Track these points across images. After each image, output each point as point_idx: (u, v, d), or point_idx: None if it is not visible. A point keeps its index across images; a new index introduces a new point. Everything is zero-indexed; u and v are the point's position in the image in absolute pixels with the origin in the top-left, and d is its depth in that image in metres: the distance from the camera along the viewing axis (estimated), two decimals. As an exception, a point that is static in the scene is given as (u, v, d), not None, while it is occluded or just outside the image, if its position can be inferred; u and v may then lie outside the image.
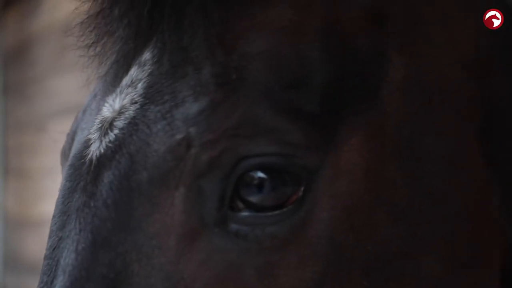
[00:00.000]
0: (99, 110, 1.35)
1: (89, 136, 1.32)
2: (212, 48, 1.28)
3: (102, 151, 1.28)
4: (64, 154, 1.50)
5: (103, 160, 1.28)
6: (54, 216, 1.34)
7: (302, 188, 1.24)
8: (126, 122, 1.28)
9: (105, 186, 1.26)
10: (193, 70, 1.27)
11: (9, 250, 7.26)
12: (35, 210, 6.61)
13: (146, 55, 1.33)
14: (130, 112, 1.28)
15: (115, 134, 1.28)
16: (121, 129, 1.28)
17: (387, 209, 1.32)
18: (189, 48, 1.29)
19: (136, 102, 1.28)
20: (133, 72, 1.33)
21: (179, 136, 1.24)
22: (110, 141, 1.28)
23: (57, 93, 5.99)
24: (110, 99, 1.33)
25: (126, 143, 1.26)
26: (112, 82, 1.37)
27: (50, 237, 1.32)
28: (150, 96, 1.28)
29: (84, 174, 1.30)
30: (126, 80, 1.33)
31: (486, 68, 1.48)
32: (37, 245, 6.47)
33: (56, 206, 1.34)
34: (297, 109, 1.25)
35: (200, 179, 1.22)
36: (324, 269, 1.27)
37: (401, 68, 1.36)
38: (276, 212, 1.23)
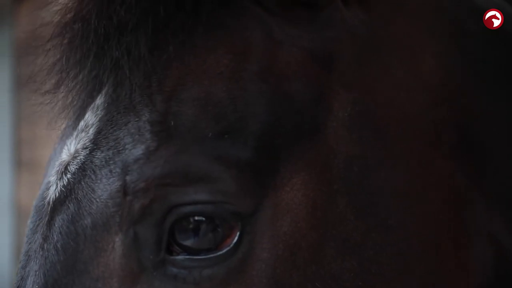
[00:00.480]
0: (58, 154, 1.40)
1: (49, 178, 1.37)
2: (152, 96, 1.30)
3: (57, 195, 1.33)
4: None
5: (56, 204, 1.32)
6: (22, 254, 1.41)
7: (238, 231, 1.26)
8: (77, 167, 1.32)
9: (56, 230, 1.31)
10: (134, 117, 1.30)
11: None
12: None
13: (98, 101, 1.35)
14: (81, 157, 1.32)
15: (67, 179, 1.32)
16: (72, 174, 1.32)
17: (336, 244, 1.30)
18: (132, 97, 1.31)
19: (86, 147, 1.32)
20: (87, 116, 1.36)
21: (118, 184, 1.27)
22: (63, 185, 1.33)
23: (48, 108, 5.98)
24: (68, 142, 1.37)
25: (75, 188, 1.31)
26: (73, 125, 1.40)
27: (16, 274, 1.39)
28: (98, 142, 1.31)
29: (42, 217, 1.35)
30: (81, 124, 1.36)
31: (458, 86, 1.45)
32: None
33: (24, 244, 1.41)
34: (229, 156, 1.26)
35: (135, 225, 1.26)
36: None
37: (348, 105, 1.34)
38: (211, 255, 1.25)
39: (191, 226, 1.26)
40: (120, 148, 1.29)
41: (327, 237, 1.30)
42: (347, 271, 1.30)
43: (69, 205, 1.30)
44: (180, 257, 1.26)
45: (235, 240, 1.26)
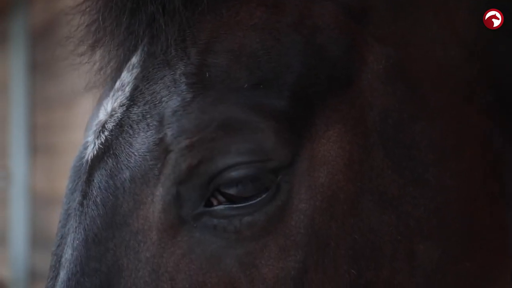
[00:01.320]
0: (95, 115, 1.43)
1: (87, 138, 1.40)
2: (187, 49, 1.32)
3: (95, 152, 1.35)
4: None
5: (94, 162, 1.35)
6: (60, 214, 1.42)
7: (278, 179, 1.27)
8: (114, 124, 1.35)
9: (95, 186, 1.34)
10: (169, 71, 1.32)
11: (37, 227, 7.31)
12: (63, 187, 6.63)
13: (134, 60, 1.38)
14: (118, 115, 1.35)
15: (105, 136, 1.35)
16: (110, 131, 1.35)
17: (374, 198, 1.32)
18: (167, 52, 1.33)
19: (123, 105, 1.35)
20: (123, 76, 1.39)
21: (156, 137, 1.29)
22: (101, 143, 1.35)
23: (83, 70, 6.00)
24: (105, 103, 1.40)
25: (113, 144, 1.34)
26: (110, 86, 1.44)
27: (56, 234, 1.41)
28: (134, 98, 1.34)
29: (81, 175, 1.38)
30: (117, 84, 1.39)
31: (491, 43, 1.46)
32: None
33: (62, 205, 1.43)
34: (266, 106, 1.28)
35: (179, 185, 1.28)
36: (307, 258, 1.29)
37: (383, 58, 1.35)
38: (251, 202, 1.27)
39: (232, 181, 1.28)
40: (157, 102, 1.31)
41: (365, 190, 1.32)
42: (385, 224, 1.32)
43: (108, 160, 1.33)
44: (219, 207, 1.28)
45: (274, 187, 1.28)
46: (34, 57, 7.53)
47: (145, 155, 1.30)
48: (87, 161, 1.36)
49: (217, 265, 1.27)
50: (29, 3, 7.58)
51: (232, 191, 1.28)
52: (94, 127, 1.39)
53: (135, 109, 1.33)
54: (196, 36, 1.33)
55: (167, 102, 1.30)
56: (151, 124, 1.30)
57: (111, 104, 1.38)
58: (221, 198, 1.28)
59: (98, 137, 1.36)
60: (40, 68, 7.34)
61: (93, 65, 1.48)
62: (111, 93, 1.40)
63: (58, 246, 1.37)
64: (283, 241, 1.28)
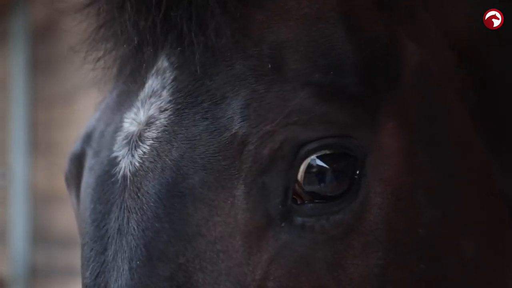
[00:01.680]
0: (116, 128, 1.33)
1: (114, 154, 1.31)
2: (240, 43, 1.28)
3: (138, 164, 1.26)
4: (72, 179, 1.49)
5: (141, 173, 1.25)
6: (86, 244, 1.30)
7: (358, 172, 1.25)
8: (159, 131, 1.26)
9: (152, 198, 1.23)
10: (225, 66, 1.27)
11: (38, 224, 7.29)
12: (63, 184, 6.62)
13: (162, 64, 1.32)
14: (161, 121, 1.27)
15: (149, 145, 1.26)
16: (155, 138, 1.26)
17: (424, 192, 1.32)
18: (216, 46, 1.28)
19: (166, 110, 1.27)
20: (151, 82, 1.31)
21: (227, 134, 1.22)
22: (144, 153, 1.26)
23: (85, 67, 5.98)
24: (130, 114, 1.32)
25: (164, 151, 1.24)
26: (122, 101, 1.36)
27: (87, 265, 1.28)
28: (181, 101, 1.27)
29: (118, 193, 1.28)
30: (145, 92, 1.31)
31: (480, 50, 1.49)
32: (65, 219, 6.50)
33: (86, 233, 1.31)
34: (339, 91, 1.26)
35: (263, 174, 1.21)
36: (386, 255, 1.27)
37: (414, 54, 1.37)
38: (338, 200, 1.23)
39: (317, 170, 1.23)
40: (217, 100, 1.25)
41: (418, 185, 1.32)
42: (435, 219, 1.33)
43: (164, 168, 1.24)
44: (308, 205, 1.23)
45: (356, 182, 1.25)
46: (34, 55, 7.52)
47: (215, 156, 1.22)
48: (124, 176, 1.27)
49: (307, 269, 1.22)
50: (29, 2, 7.57)
51: (315, 188, 1.23)
52: (123, 140, 1.30)
53: (187, 111, 1.26)
54: (249, 28, 1.29)
55: (233, 97, 1.24)
56: (216, 123, 1.23)
57: (145, 113, 1.29)
58: (306, 196, 1.23)
59: (135, 148, 1.28)
60: (40, 66, 7.32)
61: (102, 65, 1.43)
62: (138, 103, 1.32)
63: (97, 275, 1.25)
64: (365, 239, 1.25)
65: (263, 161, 1.21)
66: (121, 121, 1.34)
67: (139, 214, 1.23)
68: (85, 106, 6.32)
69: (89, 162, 1.39)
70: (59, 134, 6.77)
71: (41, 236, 7.24)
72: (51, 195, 6.92)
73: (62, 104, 6.74)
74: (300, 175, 1.22)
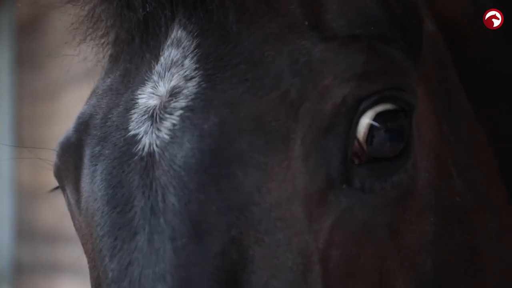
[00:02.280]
0: (128, 107, 1.25)
1: (132, 133, 1.22)
2: (272, 1, 1.23)
3: (167, 137, 1.17)
4: (67, 170, 1.38)
5: (173, 146, 1.17)
6: (105, 234, 1.20)
7: (409, 132, 1.22)
8: (188, 99, 1.18)
9: (192, 169, 1.14)
10: (259, 27, 1.21)
11: (23, 220, 7.28)
12: (49, 179, 6.59)
13: (178, 34, 1.25)
14: (189, 89, 1.19)
15: (178, 116, 1.18)
16: (185, 108, 1.18)
17: (454, 162, 1.31)
18: (247, 7, 1.22)
19: (193, 77, 1.20)
20: (168, 54, 1.24)
21: (276, 93, 1.15)
22: (174, 125, 1.18)
23: (70, 62, 5.97)
24: (145, 89, 1.24)
25: (200, 118, 1.16)
26: (129, 79, 1.29)
27: (111, 256, 1.17)
28: (210, 66, 1.20)
29: (144, 172, 1.18)
30: (161, 64, 1.24)
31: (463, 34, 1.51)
32: (50, 215, 6.49)
33: (105, 223, 1.21)
34: (386, 46, 1.23)
35: (325, 133, 1.15)
36: (437, 222, 1.24)
37: (430, 23, 1.37)
38: (395, 160, 1.19)
39: (375, 131, 1.18)
40: (256, 59, 1.18)
41: (449, 154, 1.31)
42: (462, 189, 1.31)
43: (202, 136, 1.15)
44: (366, 166, 1.17)
45: (408, 143, 1.21)
46: (19, 50, 7.51)
47: (264, 118, 1.14)
48: (150, 153, 1.18)
49: (368, 234, 1.16)
50: None
51: (374, 148, 1.17)
52: (142, 116, 1.22)
53: (220, 76, 1.18)
54: None
55: (274, 55, 1.18)
56: (259, 83, 1.16)
57: (165, 85, 1.22)
58: (364, 157, 1.17)
59: (159, 122, 1.19)
60: (25, 62, 7.29)
61: (101, 45, 1.37)
62: (154, 77, 1.24)
63: (128, 266, 1.14)
64: (418, 203, 1.23)
65: (325, 118, 1.15)
66: (134, 99, 1.26)
67: (178, 189, 1.14)
68: (70, 101, 6.32)
69: (91, 150, 1.29)
70: (44, 130, 6.75)
71: (26, 232, 7.22)
72: (36, 191, 6.91)
73: (47, 100, 6.73)
74: (360, 133, 1.17)
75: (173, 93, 1.20)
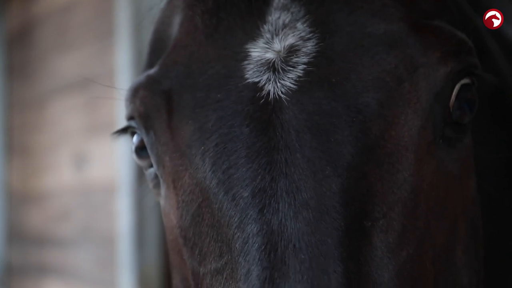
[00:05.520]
0: (240, 58, 1.33)
1: (251, 80, 1.31)
2: None
3: (294, 86, 1.28)
4: (160, 109, 1.41)
5: (301, 94, 1.26)
6: (240, 163, 1.26)
7: (476, 107, 1.40)
8: (310, 57, 1.30)
9: (326, 113, 1.25)
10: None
11: (13, 224, 7.28)
12: (38, 184, 6.61)
13: (281, 1, 1.37)
14: (309, 48, 1.31)
15: (302, 70, 1.29)
16: (307, 63, 1.29)
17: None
18: None
19: (309, 39, 1.32)
20: (277, 17, 1.36)
21: (394, 58, 1.31)
22: (299, 76, 1.28)
23: (57, 72, 6.03)
24: (258, 44, 1.33)
25: (324, 73, 1.28)
26: (231, 35, 1.36)
27: (251, 198, 1.23)
28: (326, 31, 1.33)
29: (270, 111, 1.27)
30: (271, 25, 1.35)
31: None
32: (39, 218, 6.55)
33: (242, 149, 1.26)
34: (466, 28, 1.42)
35: (435, 94, 1.32)
36: (477, 189, 1.49)
37: None
38: (466, 126, 1.39)
39: (461, 96, 1.36)
40: (369, 29, 1.32)
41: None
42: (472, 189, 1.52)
43: (330, 89, 1.26)
44: (451, 126, 1.36)
45: (470, 116, 1.39)
46: (9, 60, 7.47)
47: (384, 78, 1.28)
48: (275, 98, 1.27)
49: (453, 182, 1.36)
50: (5, 7, 7.56)
51: (459, 112, 1.35)
52: (260, 66, 1.31)
53: (338, 40, 1.30)
54: None
55: (392, 23, 1.31)
56: (373, 50, 1.29)
57: (281, 42, 1.32)
58: (450, 118, 1.35)
59: (282, 73, 1.29)
60: (15, 71, 7.29)
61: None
62: (264, 34, 1.33)
63: (268, 205, 1.21)
64: (468, 162, 1.43)
65: (438, 82, 1.31)
66: (245, 52, 1.34)
67: (314, 129, 1.25)
68: (58, 110, 6.30)
69: (192, 95, 1.36)
70: (33, 137, 6.78)
71: (15, 234, 7.21)
72: (26, 195, 6.95)
73: (36, 108, 6.73)
74: (453, 97, 1.34)
75: (292, 50, 1.31)
